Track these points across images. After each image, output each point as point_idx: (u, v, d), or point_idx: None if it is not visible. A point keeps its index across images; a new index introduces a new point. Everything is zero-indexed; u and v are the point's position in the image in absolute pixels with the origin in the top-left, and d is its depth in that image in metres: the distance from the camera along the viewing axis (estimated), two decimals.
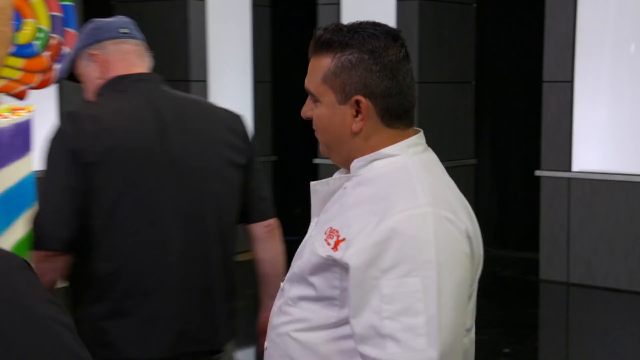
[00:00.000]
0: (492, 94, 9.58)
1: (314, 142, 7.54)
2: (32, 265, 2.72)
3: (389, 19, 8.80)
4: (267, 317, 2.24)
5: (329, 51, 1.90)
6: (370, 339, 1.71)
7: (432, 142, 7.20)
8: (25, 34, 5.28)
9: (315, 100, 1.95)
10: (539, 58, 8.25)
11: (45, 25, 5.50)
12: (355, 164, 1.92)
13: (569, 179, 8.04)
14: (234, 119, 2.94)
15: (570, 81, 8.03)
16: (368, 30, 1.89)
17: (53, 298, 1.64)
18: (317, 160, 9.10)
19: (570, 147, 8.05)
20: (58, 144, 2.65)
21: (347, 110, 1.89)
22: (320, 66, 1.93)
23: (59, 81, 6.01)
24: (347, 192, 1.91)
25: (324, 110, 1.93)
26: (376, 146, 1.90)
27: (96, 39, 2.83)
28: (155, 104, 2.79)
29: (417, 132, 1.97)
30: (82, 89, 2.93)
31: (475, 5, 9.39)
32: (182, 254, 2.75)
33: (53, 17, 5.58)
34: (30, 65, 5.38)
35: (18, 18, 4.78)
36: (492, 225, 9.77)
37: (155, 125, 2.74)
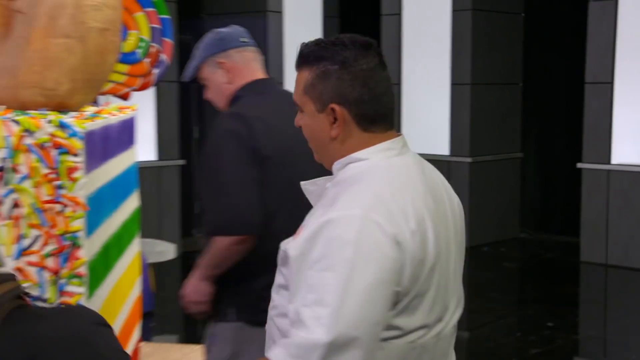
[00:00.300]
0: (538, 94, 9.51)
1: None
2: (220, 249, 2.89)
3: (445, 27, 8.82)
4: None
5: (308, 65, 1.86)
6: (295, 322, 1.68)
7: (482, 138, 7.27)
8: (129, 44, 5.43)
9: (301, 111, 1.92)
10: (582, 62, 8.19)
11: (146, 35, 5.64)
12: (335, 166, 1.89)
13: (608, 171, 7.98)
14: None
15: (611, 83, 7.97)
16: (341, 43, 1.85)
17: (121, 347, 1.82)
18: None
19: (610, 142, 7.99)
20: (235, 143, 2.74)
21: (326, 118, 1.84)
22: (301, 79, 1.89)
23: (156, 84, 6.17)
24: (327, 192, 1.88)
25: (307, 119, 1.90)
26: (351, 149, 1.85)
27: (222, 48, 2.93)
28: (291, 104, 2.91)
29: (396, 136, 1.89)
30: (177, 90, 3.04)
31: (523, 14, 9.33)
32: None
33: (153, 29, 5.72)
34: (133, 70, 5.54)
35: (124, 30, 4.93)
36: (536, 212, 9.73)
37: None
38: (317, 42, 1.88)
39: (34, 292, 2.99)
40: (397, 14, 9.21)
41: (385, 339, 1.71)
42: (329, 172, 2.97)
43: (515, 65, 9.35)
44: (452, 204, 1.93)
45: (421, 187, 1.81)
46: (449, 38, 8.86)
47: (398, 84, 9.24)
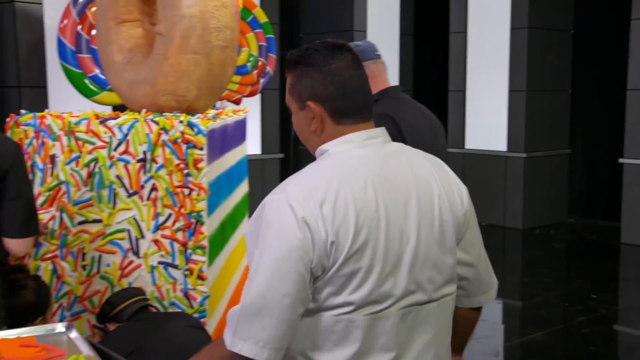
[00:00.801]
0: (585, 99, 9.26)
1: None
2: None
3: (504, 43, 8.68)
4: None
5: (289, 69, 1.78)
6: None
7: (536, 136, 7.16)
8: (241, 58, 5.55)
9: (290, 111, 1.82)
10: (624, 71, 7.97)
11: (255, 52, 5.76)
12: (316, 156, 1.78)
13: None
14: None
15: None
16: (313, 48, 1.75)
17: (208, 344, 1.81)
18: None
19: None
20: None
21: (306, 114, 1.74)
22: (287, 82, 1.80)
23: (261, 92, 6.27)
24: None
25: (294, 117, 1.79)
26: (326, 141, 1.74)
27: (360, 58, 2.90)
28: (419, 108, 2.90)
29: (365, 129, 1.75)
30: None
31: (572, 31, 9.10)
32: None
33: (260, 46, 5.84)
34: (244, 80, 5.65)
35: (238, 47, 5.03)
36: (582, 200, 9.51)
37: (427, 123, 2.85)
38: (298, 49, 1.79)
39: (167, 260, 3.11)
40: (463, 32, 9.10)
41: (312, 310, 1.63)
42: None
43: (565, 74, 9.12)
44: (442, 194, 1.75)
45: (362, 178, 1.64)
46: (508, 52, 8.72)
47: (463, 91, 9.14)
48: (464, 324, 1.94)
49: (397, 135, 2.67)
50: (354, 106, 1.73)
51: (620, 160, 7.95)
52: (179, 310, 3.08)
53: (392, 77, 10.89)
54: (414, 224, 1.67)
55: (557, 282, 6.79)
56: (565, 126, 9.23)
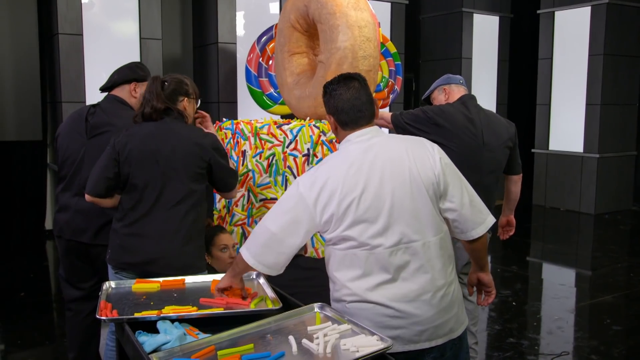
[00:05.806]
0: None
1: (532, 135, 6.99)
2: None
3: (583, 67, 8.04)
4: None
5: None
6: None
7: (607, 141, 6.47)
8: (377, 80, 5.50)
9: None
10: None
11: (386, 75, 5.69)
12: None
13: None
14: (509, 126, 2.91)
15: None
16: (331, 81, 1.90)
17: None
18: (533, 150, 8.63)
19: None
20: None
21: (330, 122, 1.91)
22: None
23: (390, 104, 6.15)
24: None
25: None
26: (340, 139, 1.90)
27: (448, 82, 2.97)
28: (474, 110, 2.83)
29: (360, 130, 1.86)
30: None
31: None
32: None
33: (390, 70, 5.76)
34: (378, 96, 5.60)
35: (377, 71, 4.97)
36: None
37: (476, 123, 2.79)
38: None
39: None
40: (550, 58, 8.54)
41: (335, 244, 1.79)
42: (494, 156, 2.80)
43: (633, 91, 8.35)
44: (413, 164, 1.79)
45: (355, 161, 1.78)
46: (586, 74, 8.11)
47: (548, 104, 8.60)
48: (472, 250, 1.95)
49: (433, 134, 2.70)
50: (350, 118, 1.84)
51: None
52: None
53: (491, 94, 10.37)
54: (389, 187, 1.74)
55: (622, 257, 6.26)
56: (633, 132, 8.46)
